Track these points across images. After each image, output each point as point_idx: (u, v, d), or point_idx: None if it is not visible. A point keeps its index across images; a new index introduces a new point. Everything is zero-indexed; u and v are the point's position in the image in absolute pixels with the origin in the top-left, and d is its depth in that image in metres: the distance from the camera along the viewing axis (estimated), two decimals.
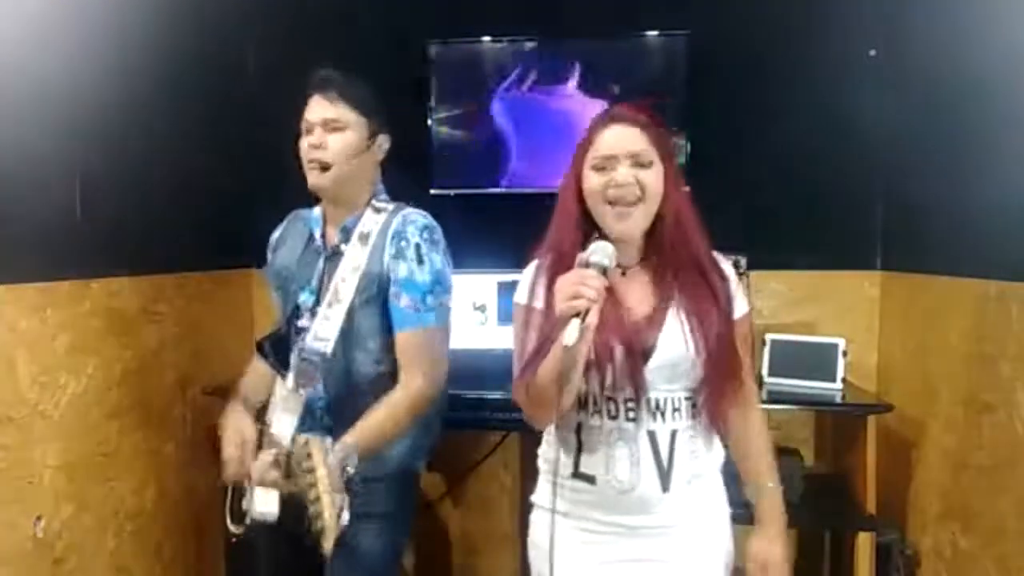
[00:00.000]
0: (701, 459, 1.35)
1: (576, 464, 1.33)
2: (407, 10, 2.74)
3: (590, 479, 1.32)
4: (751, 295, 2.63)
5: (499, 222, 2.69)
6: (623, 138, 1.29)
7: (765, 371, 2.43)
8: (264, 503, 1.46)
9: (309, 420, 1.57)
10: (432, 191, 2.73)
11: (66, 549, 1.81)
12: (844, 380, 2.35)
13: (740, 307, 1.37)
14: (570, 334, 1.13)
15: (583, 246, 1.26)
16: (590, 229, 1.31)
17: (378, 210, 1.62)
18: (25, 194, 1.71)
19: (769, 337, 2.47)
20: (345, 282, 1.56)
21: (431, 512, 2.80)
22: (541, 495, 1.42)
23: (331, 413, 1.59)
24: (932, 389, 2.18)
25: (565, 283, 1.18)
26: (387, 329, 1.58)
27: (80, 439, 1.86)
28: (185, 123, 2.29)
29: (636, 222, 1.28)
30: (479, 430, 2.52)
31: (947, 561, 2.06)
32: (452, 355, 2.59)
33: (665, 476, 1.30)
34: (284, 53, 2.70)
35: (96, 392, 1.93)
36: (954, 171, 2.11)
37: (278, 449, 1.46)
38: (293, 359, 1.56)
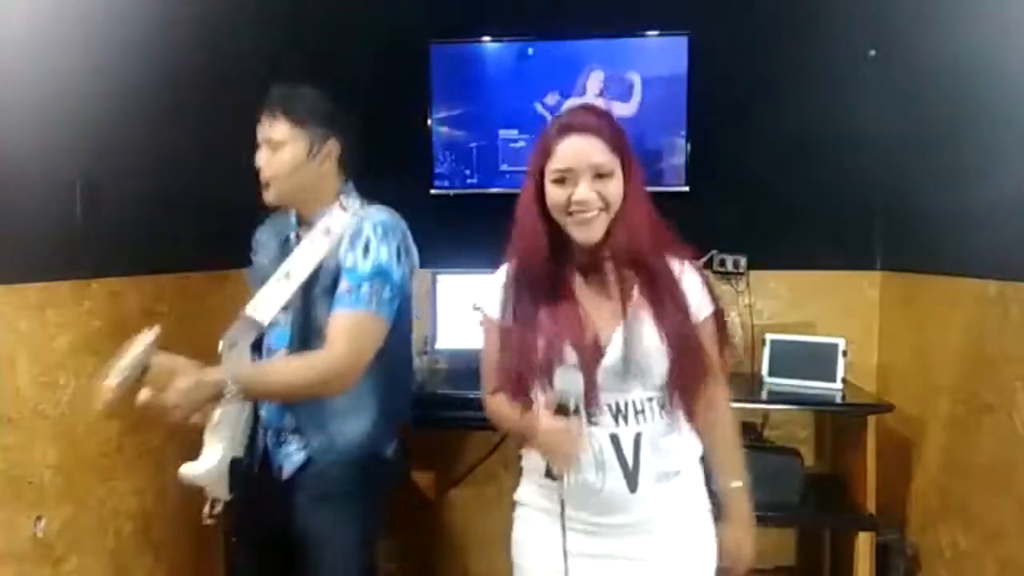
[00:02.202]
0: (675, 456, 1.36)
1: (548, 465, 1.35)
2: (407, 10, 2.74)
3: (561, 481, 1.34)
4: (751, 295, 2.64)
5: (499, 222, 2.69)
6: (582, 150, 1.27)
7: (765, 371, 2.43)
8: (192, 464, 1.53)
9: (273, 405, 1.64)
10: (432, 191, 2.73)
11: (66, 549, 1.81)
12: (844, 380, 2.35)
13: (706, 307, 1.37)
14: (559, 469, 1.26)
15: (550, 251, 1.31)
16: (555, 235, 1.32)
17: (344, 208, 1.66)
18: (25, 194, 1.71)
19: (769, 337, 2.47)
20: (298, 266, 1.61)
21: (431, 512, 2.80)
22: (524, 494, 1.45)
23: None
24: (932, 389, 2.18)
25: (550, 438, 1.24)
26: None
27: (80, 439, 1.86)
28: (186, 123, 2.29)
29: (598, 230, 1.29)
30: (479, 430, 2.52)
31: (947, 561, 2.06)
32: (452, 355, 2.63)
33: (631, 477, 1.31)
34: (285, 53, 2.70)
35: (96, 392, 1.93)
36: (954, 171, 2.11)
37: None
38: (234, 324, 1.61)
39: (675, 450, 1.36)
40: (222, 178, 2.47)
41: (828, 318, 2.60)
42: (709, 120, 2.60)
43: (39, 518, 1.73)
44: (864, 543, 2.18)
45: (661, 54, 2.62)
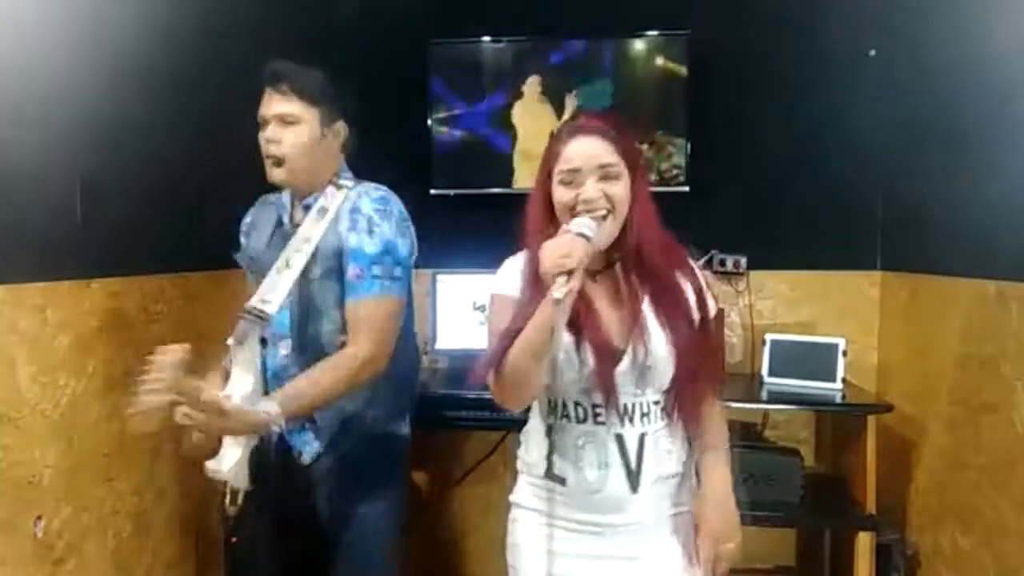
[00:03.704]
0: (674, 459, 1.38)
1: (548, 465, 1.36)
2: (407, 10, 2.74)
3: (561, 480, 1.35)
4: (751, 295, 2.64)
5: (499, 222, 2.68)
6: (589, 151, 1.29)
7: (765, 371, 2.43)
8: (217, 460, 1.52)
9: (279, 388, 1.62)
10: (432, 191, 2.73)
11: (66, 549, 1.81)
12: (844, 380, 2.35)
13: (708, 309, 1.38)
14: (557, 289, 1.15)
15: None
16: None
17: (339, 187, 1.66)
18: (25, 194, 1.71)
19: (769, 337, 2.47)
20: (298, 252, 1.60)
21: (431, 512, 2.80)
22: (520, 495, 1.45)
23: None
24: (932, 389, 2.18)
25: (553, 245, 1.20)
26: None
27: (80, 439, 1.86)
28: (186, 123, 2.29)
29: (606, 233, 1.29)
30: (479, 430, 2.52)
31: (947, 561, 2.06)
32: (452, 355, 2.63)
33: (633, 477, 1.32)
34: (285, 54, 2.70)
35: (96, 392, 1.93)
36: (953, 171, 2.11)
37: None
38: (239, 320, 1.60)
39: (674, 453, 1.38)
40: (222, 178, 2.47)
41: (828, 318, 2.60)
42: (709, 120, 2.60)
43: (39, 518, 1.73)
44: (864, 543, 2.18)
45: (661, 54, 2.61)
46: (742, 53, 2.61)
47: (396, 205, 1.66)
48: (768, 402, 2.37)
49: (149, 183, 2.13)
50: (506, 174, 2.71)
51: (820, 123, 2.60)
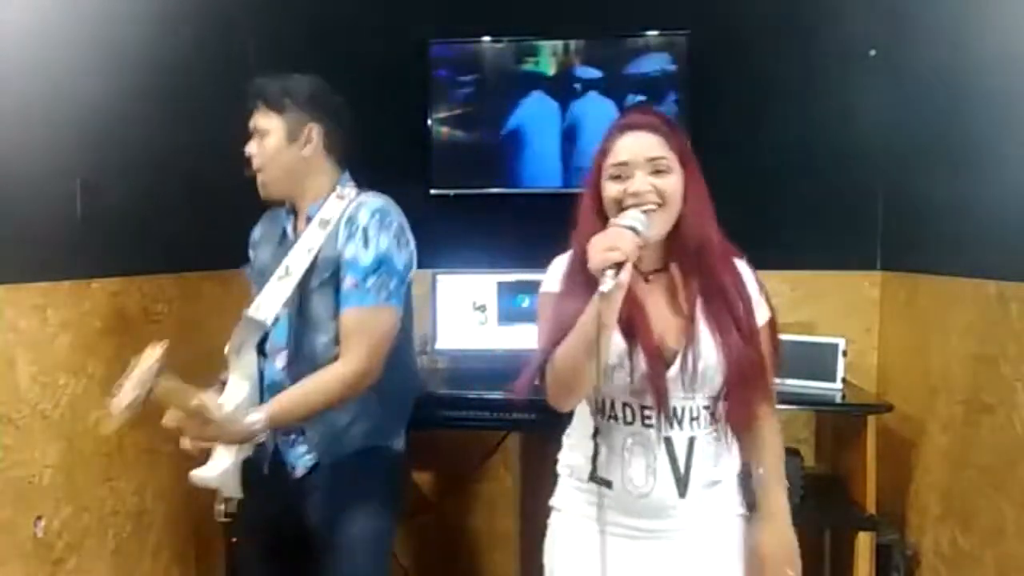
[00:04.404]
0: (722, 465, 1.35)
1: (594, 468, 1.31)
2: (407, 10, 2.74)
3: (607, 483, 1.31)
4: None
5: (499, 222, 2.70)
6: (639, 145, 1.28)
7: None
8: (207, 468, 1.52)
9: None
10: (432, 191, 2.73)
11: (66, 549, 1.81)
12: (844, 380, 2.35)
13: (762, 314, 1.35)
14: (604, 283, 1.13)
15: None
16: None
17: (340, 197, 1.65)
18: (25, 194, 1.71)
19: None
20: (298, 261, 1.60)
21: (431, 512, 2.80)
22: (561, 498, 1.42)
23: None
24: (932, 389, 2.18)
25: (600, 238, 1.18)
26: None
27: (80, 439, 1.86)
28: (186, 123, 2.29)
29: (657, 227, 1.26)
30: (479, 430, 2.52)
31: (947, 561, 2.06)
32: (452, 355, 2.63)
33: (682, 482, 1.30)
34: (285, 54, 2.70)
35: (96, 392, 1.92)
36: (954, 171, 2.11)
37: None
38: (236, 328, 1.60)
39: (722, 459, 1.35)
40: (222, 178, 2.47)
41: (828, 318, 2.60)
42: (709, 120, 2.60)
43: (39, 518, 1.73)
44: (864, 543, 2.18)
45: (660, 54, 2.61)
46: (742, 53, 2.61)
47: (396, 216, 1.63)
48: None
49: (149, 183, 2.13)
50: (506, 174, 2.70)
51: (820, 123, 2.60)
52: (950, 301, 2.10)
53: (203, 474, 1.52)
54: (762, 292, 1.37)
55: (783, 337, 2.39)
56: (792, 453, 2.31)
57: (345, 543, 1.62)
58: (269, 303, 1.58)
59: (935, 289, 2.20)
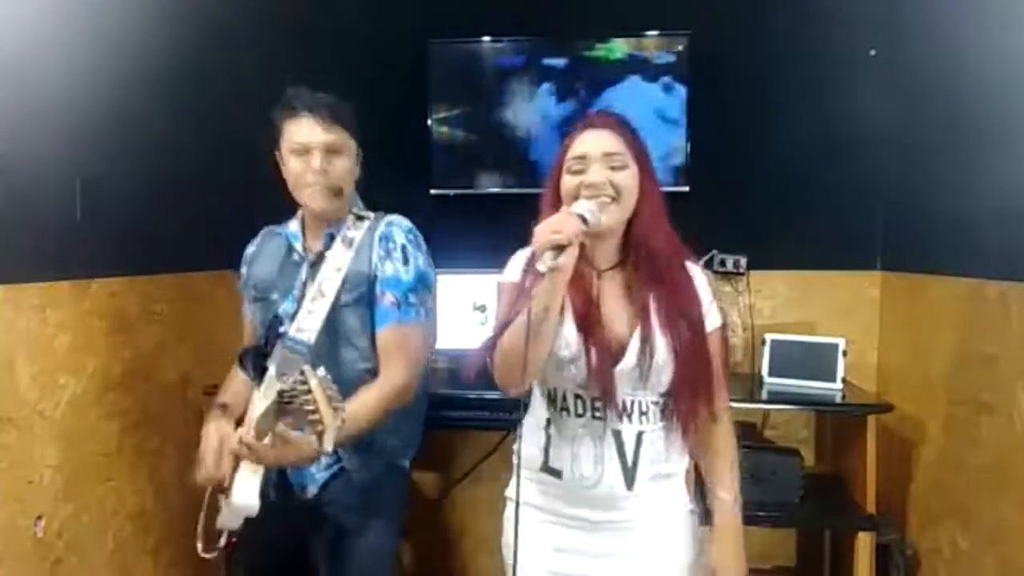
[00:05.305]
0: (671, 461, 1.38)
1: (545, 458, 1.37)
2: (407, 10, 2.74)
3: (557, 473, 1.36)
4: (751, 295, 2.64)
5: (499, 222, 2.68)
6: (597, 140, 1.33)
7: (765, 371, 2.43)
8: (243, 493, 1.44)
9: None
10: (432, 191, 2.73)
11: (66, 549, 1.81)
12: (844, 380, 2.35)
13: (712, 321, 1.38)
14: (543, 262, 1.16)
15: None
16: None
17: (360, 217, 1.68)
18: (25, 194, 1.71)
19: (769, 337, 2.47)
20: (330, 281, 1.60)
21: (431, 512, 2.80)
22: (513, 489, 1.44)
23: None
24: (932, 389, 2.18)
25: (546, 222, 1.21)
26: (374, 327, 1.63)
27: (80, 439, 1.86)
28: (185, 123, 2.29)
29: (608, 219, 1.30)
30: (479, 430, 2.52)
31: (947, 561, 2.06)
32: (452, 355, 2.63)
33: (629, 474, 1.33)
34: (285, 54, 2.70)
35: (96, 392, 1.93)
36: (953, 171, 2.11)
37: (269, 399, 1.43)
38: (277, 350, 1.56)
39: (671, 454, 1.38)
40: (222, 178, 2.47)
41: (828, 318, 2.60)
42: (709, 120, 2.60)
43: (39, 518, 1.73)
44: (864, 543, 2.18)
45: (661, 54, 2.61)
46: (742, 53, 2.61)
47: (422, 238, 1.71)
48: (768, 402, 2.37)
49: (149, 183, 2.13)
50: (506, 174, 2.70)
51: (820, 123, 2.60)
52: (950, 301, 2.10)
53: (245, 502, 1.44)
54: (715, 297, 1.40)
55: (783, 337, 2.45)
56: (792, 453, 2.32)
57: (355, 560, 1.62)
58: (309, 324, 1.57)
59: (935, 289, 2.20)
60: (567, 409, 1.35)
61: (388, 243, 1.62)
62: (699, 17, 2.61)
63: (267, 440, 1.41)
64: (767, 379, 2.42)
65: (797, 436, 2.64)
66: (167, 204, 2.20)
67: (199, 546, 1.50)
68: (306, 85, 1.67)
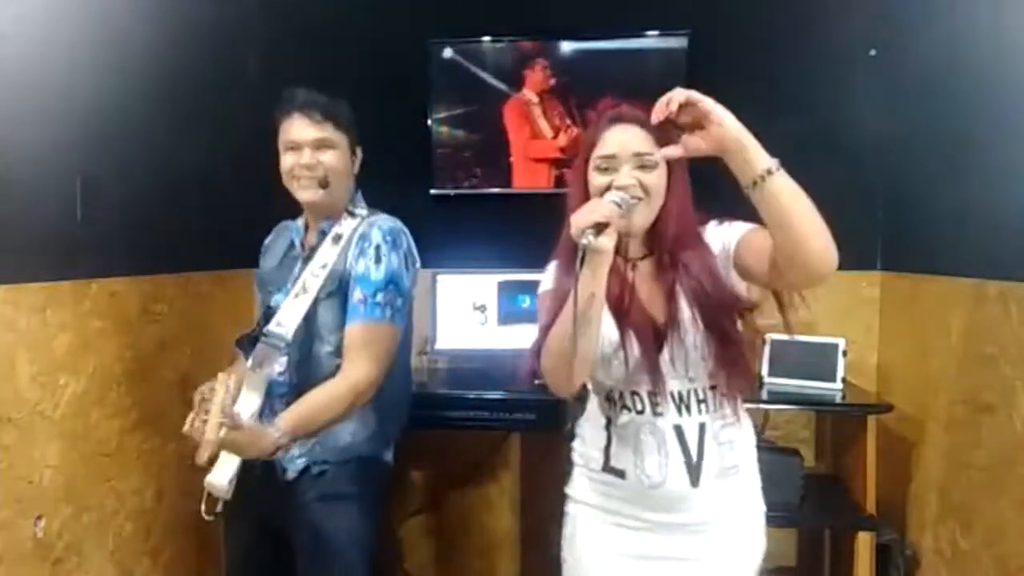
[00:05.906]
0: (737, 450, 1.35)
1: (607, 458, 1.34)
2: (407, 10, 2.74)
3: (620, 473, 1.32)
4: (751, 295, 2.63)
5: (499, 222, 2.69)
6: (626, 139, 1.29)
7: (765, 371, 2.43)
8: (218, 474, 1.51)
9: (271, 405, 1.63)
10: (432, 191, 2.73)
11: (66, 549, 1.81)
12: (844, 380, 2.35)
13: (738, 229, 1.36)
14: (587, 235, 1.13)
15: None
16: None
17: (353, 215, 1.71)
18: (25, 194, 1.71)
19: (769, 337, 2.46)
20: (315, 277, 1.64)
21: (431, 512, 2.80)
22: (576, 489, 1.43)
23: (292, 400, 1.63)
24: (932, 389, 2.18)
25: (583, 208, 1.19)
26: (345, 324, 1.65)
27: (80, 439, 1.86)
28: (185, 123, 2.29)
29: (638, 219, 1.28)
30: (479, 430, 2.52)
31: (947, 561, 2.06)
32: (452, 355, 2.63)
33: (694, 470, 1.29)
34: (285, 53, 2.70)
35: (96, 392, 1.93)
36: (954, 171, 2.11)
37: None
38: (258, 343, 1.62)
39: (736, 443, 1.35)
40: (222, 178, 2.47)
41: (828, 318, 2.59)
42: None
43: (39, 518, 1.73)
44: (864, 543, 2.18)
45: (660, 54, 2.61)
46: (742, 53, 2.61)
47: (406, 239, 1.70)
48: (768, 402, 2.37)
49: (149, 183, 2.13)
50: (506, 174, 2.70)
51: (820, 123, 2.59)
52: (950, 301, 2.10)
53: (216, 481, 1.51)
54: (720, 225, 1.37)
55: (783, 337, 2.44)
56: (792, 453, 2.32)
57: (328, 550, 1.64)
58: (289, 318, 1.62)
59: (935, 289, 2.20)
60: (627, 407, 1.32)
61: (364, 242, 1.65)
62: (699, 17, 2.61)
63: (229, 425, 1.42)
64: (767, 379, 2.42)
65: (797, 436, 2.64)
66: (167, 204, 2.20)
67: (202, 507, 1.54)
68: (306, 85, 1.69)
